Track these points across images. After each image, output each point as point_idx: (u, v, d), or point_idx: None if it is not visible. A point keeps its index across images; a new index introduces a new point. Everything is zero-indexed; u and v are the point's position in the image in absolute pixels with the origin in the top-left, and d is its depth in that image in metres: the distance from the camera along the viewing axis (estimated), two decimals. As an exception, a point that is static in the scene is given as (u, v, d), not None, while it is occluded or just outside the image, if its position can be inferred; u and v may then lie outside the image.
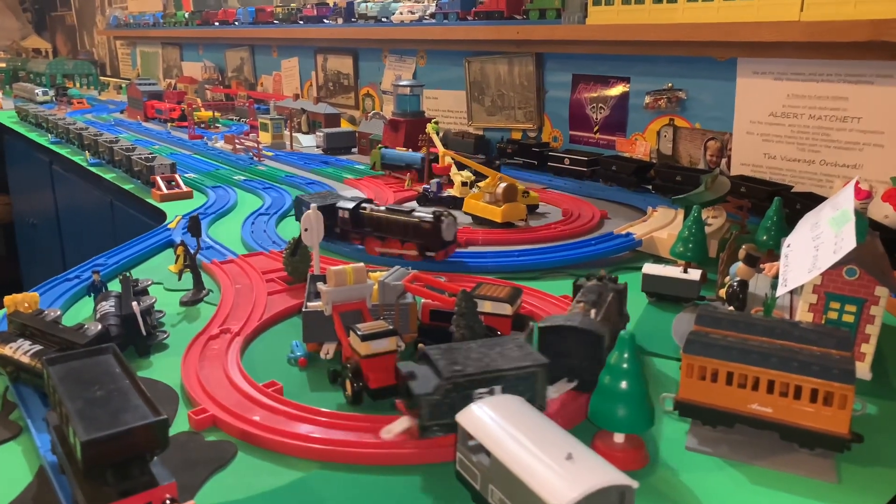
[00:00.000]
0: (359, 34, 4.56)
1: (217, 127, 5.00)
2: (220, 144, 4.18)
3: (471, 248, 2.24)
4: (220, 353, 1.48)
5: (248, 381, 1.35)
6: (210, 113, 4.98)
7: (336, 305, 1.40)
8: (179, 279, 1.83)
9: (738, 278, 1.60)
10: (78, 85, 8.09)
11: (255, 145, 3.80)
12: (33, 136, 4.83)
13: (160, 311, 1.69)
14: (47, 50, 10.47)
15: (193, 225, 1.83)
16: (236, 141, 3.97)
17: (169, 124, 4.96)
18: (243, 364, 1.44)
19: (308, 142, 4.34)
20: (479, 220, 2.52)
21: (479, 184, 2.67)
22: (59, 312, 1.40)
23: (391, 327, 1.30)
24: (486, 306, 1.43)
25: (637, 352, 1.11)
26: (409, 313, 1.50)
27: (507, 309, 1.42)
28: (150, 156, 3.16)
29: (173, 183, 2.99)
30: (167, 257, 2.17)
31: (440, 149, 2.87)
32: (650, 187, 3.02)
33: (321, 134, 4.00)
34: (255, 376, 1.38)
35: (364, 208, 2.15)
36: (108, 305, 1.55)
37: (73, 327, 1.33)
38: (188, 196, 2.94)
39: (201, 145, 4.21)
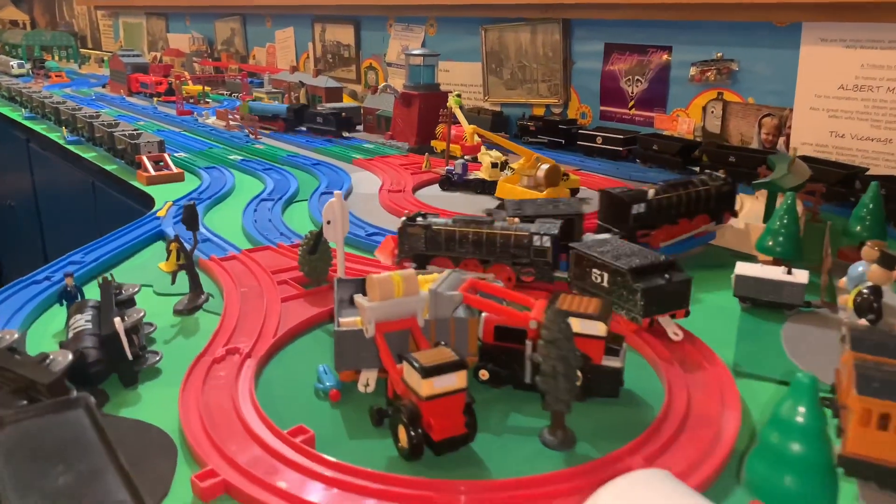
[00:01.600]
0: (361, 0, 4.18)
1: (207, 102, 4.63)
2: (212, 121, 3.82)
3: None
4: (228, 382, 1.16)
5: (267, 425, 1.03)
6: (199, 87, 4.60)
7: (380, 324, 1.09)
8: (173, 282, 1.50)
9: (868, 284, 1.30)
10: (56, 58, 7.64)
11: (252, 122, 3.44)
12: (5, 110, 4.44)
13: (150, 325, 1.36)
14: (24, 22, 9.96)
15: (189, 215, 1.50)
16: (230, 117, 3.61)
17: (155, 99, 4.58)
18: (259, 398, 1.12)
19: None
20: (514, 207, 2.20)
21: (512, 165, 2.35)
22: (15, 335, 1.07)
23: (458, 357, 0.98)
24: (573, 325, 1.12)
25: (818, 403, 0.81)
26: (468, 331, 1.18)
27: (599, 329, 1.11)
28: (134, 132, 2.81)
29: (161, 163, 2.64)
30: (157, 253, 1.84)
31: (465, 125, 2.55)
32: (697, 169, 2.71)
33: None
34: (277, 417, 1.06)
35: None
36: (83, 321, 1.22)
37: (34, 358, 1.01)
38: (179, 178, 2.59)
39: (191, 121, 3.84)
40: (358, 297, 1.10)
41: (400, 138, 3.24)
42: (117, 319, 1.17)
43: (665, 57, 2.92)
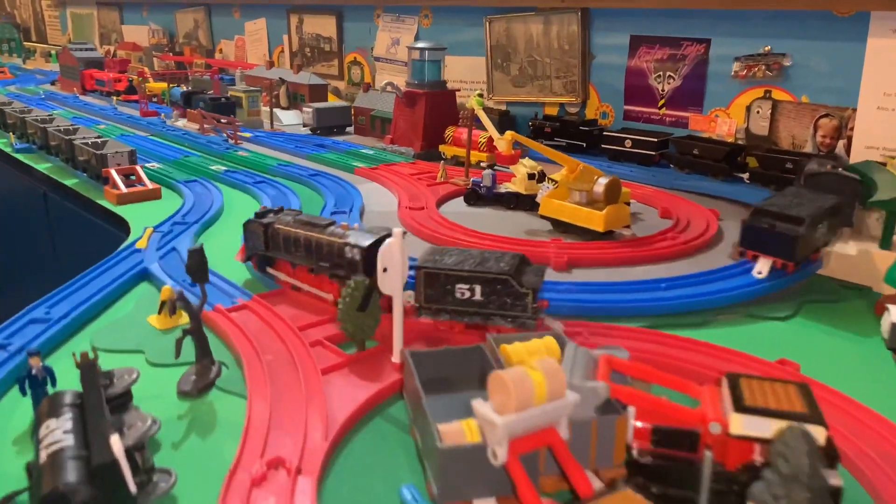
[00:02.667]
0: (345, -11, 3.80)
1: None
2: (183, 123, 3.39)
3: (576, 275, 1.59)
4: (278, 521, 0.81)
5: None
6: (164, 84, 4.15)
7: (515, 442, 0.74)
8: (177, 355, 1.12)
9: None
10: (-2, 52, 7.04)
11: (232, 125, 3.04)
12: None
13: (154, 422, 1.00)
14: (-39, 13, 9.22)
15: (196, 263, 1.13)
16: (204, 118, 3.19)
17: (115, 99, 4.11)
18: (328, 548, 0.77)
19: (290, 119, 3.59)
20: (560, 226, 1.87)
21: (553, 176, 2.02)
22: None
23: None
24: (770, 428, 0.79)
25: None
26: (615, 435, 0.85)
27: (819, 436, 0.78)
28: (99, 140, 2.39)
29: (133, 177, 2.24)
30: (143, 299, 1.45)
31: (493, 131, 2.20)
32: (744, 176, 2.42)
33: (310, 110, 3.26)
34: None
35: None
36: (60, 431, 0.85)
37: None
38: (155, 195, 2.19)
39: (158, 124, 3.41)
40: (480, 407, 0.75)
41: (402, 142, 2.88)
42: (115, 438, 0.80)
43: (702, 50, 2.62)
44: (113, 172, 2.17)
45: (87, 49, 4.70)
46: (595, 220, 1.77)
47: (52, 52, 6.53)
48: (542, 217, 1.92)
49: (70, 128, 2.60)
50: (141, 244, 1.70)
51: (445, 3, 3.47)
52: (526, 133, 3.06)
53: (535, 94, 3.18)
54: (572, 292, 1.45)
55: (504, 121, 3.18)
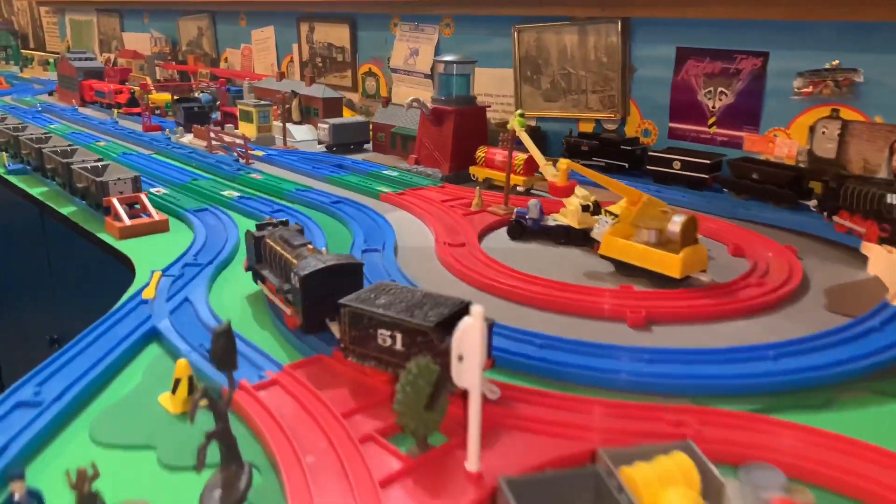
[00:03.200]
0: (360, -4, 3.58)
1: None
2: (189, 140, 3.17)
3: (656, 335, 1.37)
4: None
5: None
6: (167, 95, 3.93)
7: None
8: (200, 468, 0.89)
9: None
10: (-6, 60, 6.81)
11: (243, 143, 2.81)
12: (-68, 126, 3.70)
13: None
14: (-43, 19, 9.00)
15: (223, 348, 0.90)
16: (212, 135, 2.97)
17: (115, 112, 3.88)
18: None
19: (303, 134, 3.37)
20: (624, 268, 1.65)
21: (611, 208, 1.79)
22: None
23: None
24: None
25: None
26: None
27: None
28: (99, 165, 2.16)
29: (138, 206, 2.01)
30: (151, 369, 1.22)
31: (539, 156, 1.97)
32: (811, 204, 2.19)
33: (326, 126, 3.04)
34: None
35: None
36: None
37: None
38: (162, 228, 1.96)
39: (162, 140, 3.18)
40: None
41: (428, 163, 2.65)
42: None
43: (759, 64, 2.40)
44: (115, 202, 1.94)
45: (86, 58, 4.47)
46: (671, 264, 1.54)
47: (51, 59, 6.31)
48: (603, 257, 1.69)
49: (67, 149, 2.37)
50: (148, 293, 1.47)
51: (469, 12, 3.25)
52: (559, 151, 2.84)
53: (568, 110, 2.95)
54: (659, 362, 1.22)
55: (534, 137, 2.94)
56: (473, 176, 2.54)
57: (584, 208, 1.84)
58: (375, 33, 3.77)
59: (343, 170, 2.68)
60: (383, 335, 1.09)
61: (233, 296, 1.53)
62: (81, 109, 4.14)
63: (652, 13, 2.61)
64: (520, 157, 2.37)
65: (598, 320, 1.42)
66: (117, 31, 6.18)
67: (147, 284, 1.52)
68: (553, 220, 1.91)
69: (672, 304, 1.45)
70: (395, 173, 2.61)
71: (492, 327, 1.06)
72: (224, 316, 1.40)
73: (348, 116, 3.34)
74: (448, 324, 1.01)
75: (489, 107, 2.77)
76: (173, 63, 5.14)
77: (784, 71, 2.35)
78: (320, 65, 4.16)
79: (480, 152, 2.50)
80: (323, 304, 1.20)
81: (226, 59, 4.97)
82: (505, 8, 3.04)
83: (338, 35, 3.97)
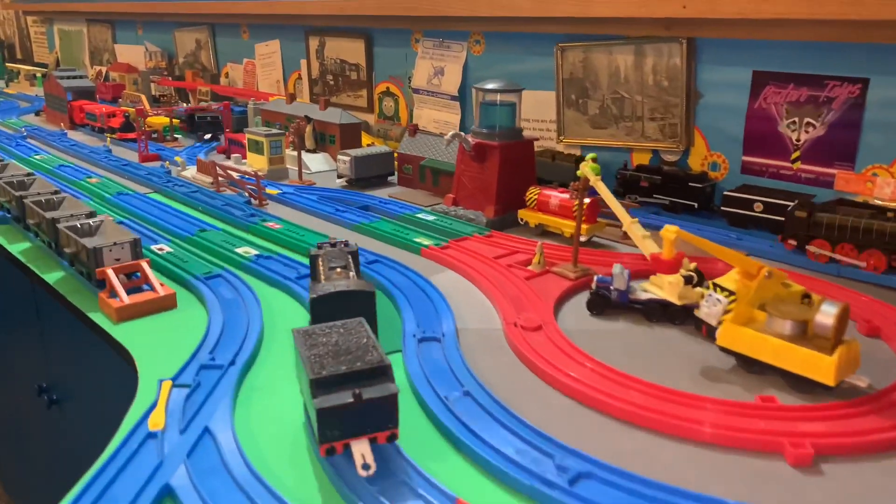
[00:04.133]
0: (374, 7, 3.24)
1: (176, 140, 3.61)
2: (191, 174, 2.82)
3: (826, 477, 1.04)
4: None
5: None
6: (165, 119, 3.58)
7: None
8: None
9: None
10: (-22, 73, 6.46)
11: (255, 181, 2.47)
12: None
13: None
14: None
15: None
16: (218, 170, 2.62)
17: (108, 138, 3.52)
18: None
19: (318, 164, 3.03)
20: (751, 364, 1.32)
21: (719, 281, 1.46)
22: None
23: None
24: None
25: None
26: None
27: None
28: (90, 222, 1.82)
29: (138, 275, 1.67)
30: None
31: (623, 215, 1.64)
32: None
33: (347, 158, 2.70)
34: None
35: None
36: None
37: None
38: (168, 304, 1.62)
39: (161, 175, 2.84)
40: None
41: (469, 204, 2.32)
42: None
43: (855, 92, 2.08)
44: (111, 275, 1.60)
45: (75, 76, 4.12)
46: (822, 369, 1.21)
47: (38, 74, 5.95)
48: (722, 349, 1.36)
49: (53, 198, 2.03)
50: (156, 422, 1.13)
51: (503, 29, 2.92)
52: (610, 185, 2.50)
53: (620, 138, 2.62)
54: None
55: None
56: (522, 220, 2.21)
57: (687, 279, 1.51)
58: (394, 49, 3.44)
59: (371, 214, 2.34)
60: (305, 370, 1.03)
61: (266, 417, 1.20)
62: (71, 134, 3.79)
63: (724, 33, 2.28)
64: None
65: (745, 454, 1.09)
66: (109, 43, 5.83)
67: (154, 405, 1.18)
68: (643, 290, 1.58)
69: (841, 428, 1.12)
70: (430, 217, 2.28)
71: (395, 396, 1.00)
72: (259, 455, 1.07)
73: (370, 146, 3.00)
74: (343, 381, 0.99)
75: (537, 139, 2.43)
76: (169, 79, 4.80)
77: (888, 100, 2.02)
78: (331, 83, 3.82)
79: (532, 194, 2.17)
80: None
81: (226, 75, 4.63)
82: (545, 25, 2.71)
83: (352, 51, 3.64)
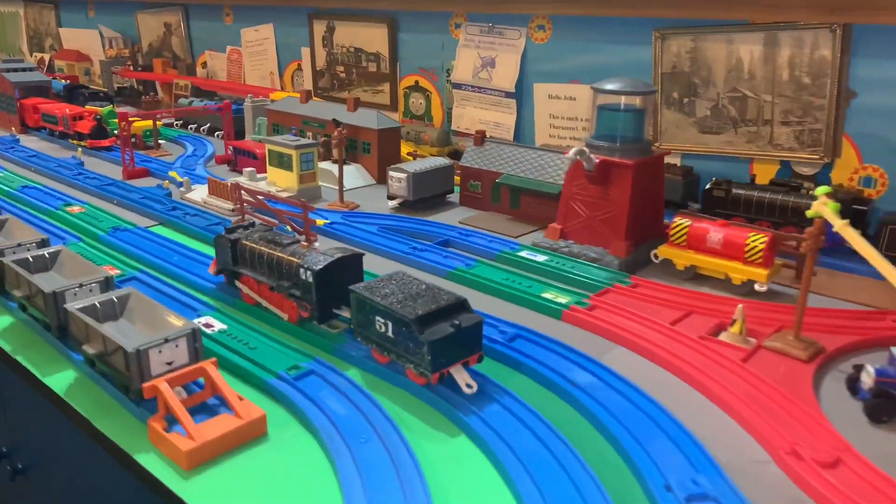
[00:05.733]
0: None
1: (159, 146, 2.97)
2: (200, 197, 2.23)
3: None
4: None
5: None
6: (147, 122, 2.94)
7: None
8: None
9: None
10: None
11: (301, 211, 1.90)
12: None
13: None
14: None
15: None
16: (243, 195, 2.05)
17: (79, 148, 2.85)
18: None
19: (351, 180, 2.47)
20: None
21: None
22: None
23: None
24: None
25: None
26: None
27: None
28: (114, 298, 1.25)
29: (202, 382, 1.12)
30: None
31: (891, 273, 1.17)
32: None
33: (402, 175, 2.16)
34: None
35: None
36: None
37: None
38: (256, 431, 1.07)
39: (160, 199, 2.23)
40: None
41: (583, 238, 1.82)
42: None
43: None
44: (168, 395, 1.04)
45: (24, 69, 3.41)
46: None
47: (-32, 63, 5.12)
48: None
49: (46, 255, 1.43)
50: None
51: (577, 11, 2.41)
52: (724, 205, 2.03)
53: (739, 146, 2.16)
54: None
55: (689, 183, 2.16)
56: (655, 257, 1.73)
57: None
58: (426, 36, 2.89)
59: (459, 254, 1.82)
60: (379, 322, 1.18)
61: None
62: (24, 140, 3.11)
63: (891, 19, 1.84)
64: (756, 237, 1.58)
65: None
66: (52, 27, 5.05)
67: None
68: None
69: None
70: (539, 256, 1.77)
71: (481, 323, 1.17)
72: None
73: (428, 158, 2.44)
74: (436, 317, 1.14)
75: (668, 153, 1.94)
76: (131, 69, 4.11)
77: None
78: (342, 75, 3.25)
79: (681, 227, 1.69)
80: (331, 295, 1.33)
81: (204, 65, 3.98)
82: (638, 7, 2.22)
83: (371, 37, 3.07)
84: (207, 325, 1.38)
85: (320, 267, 1.30)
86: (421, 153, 2.70)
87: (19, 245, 1.50)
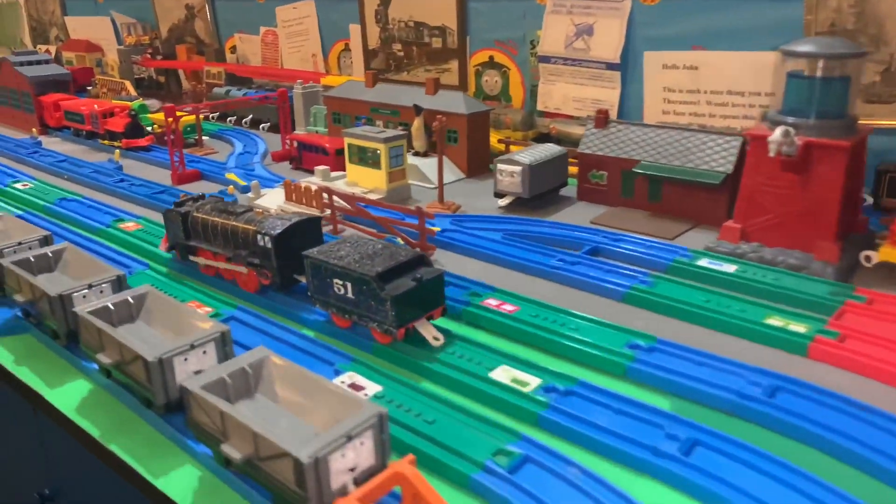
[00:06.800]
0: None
1: (204, 145, 2.60)
2: (274, 205, 1.86)
3: None
4: None
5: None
6: (191, 116, 2.57)
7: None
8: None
9: None
10: None
11: (418, 219, 1.54)
12: None
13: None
14: None
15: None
16: (336, 200, 1.69)
17: (117, 151, 2.47)
18: None
19: (435, 172, 2.11)
20: None
21: None
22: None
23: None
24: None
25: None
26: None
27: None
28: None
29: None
30: None
31: None
32: None
33: (516, 168, 1.80)
34: None
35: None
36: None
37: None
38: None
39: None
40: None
41: (774, 239, 1.46)
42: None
43: None
44: None
45: (38, 62, 3.02)
46: None
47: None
48: None
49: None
50: None
51: (700, -37, 2.04)
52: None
53: (918, 117, 1.81)
54: None
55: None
56: (868, 260, 1.38)
57: None
58: (504, 4, 2.51)
59: (616, 266, 1.46)
60: (337, 284, 1.17)
61: None
62: (47, 142, 2.74)
63: None
64: None
65: None
66: (57, 15, 4.65)
67: None
68: None
69: None
70: (721, 264, 1.42)
71: (442, 276, 1.17)
72: None
73: (544, 146, 2.06)
74: (396, 273, 1.13)
75: (871, 130, 1.58)
76: (151, 56, 3.73)
77: None
78: (400, 53, 2.87)
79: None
80: (292, 259, 1.28)
81: (233, 49, 3.59)
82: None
83: (434, 8, 2.69)
84: (355, 387, 1.04)
85: (278, 231, 1.29)
86: (501, 137, 2.34)
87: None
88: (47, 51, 4.67)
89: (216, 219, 1.40)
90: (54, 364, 1.20)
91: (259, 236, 1.31)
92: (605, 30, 2.28)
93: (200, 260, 1.46)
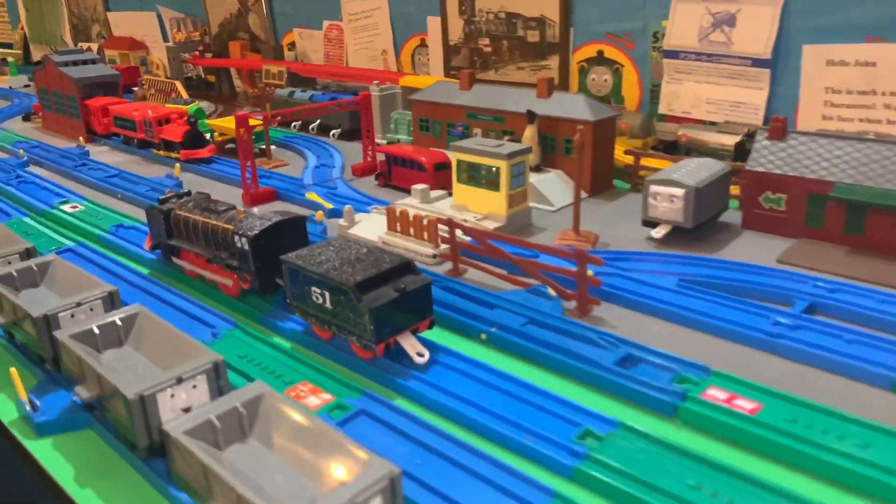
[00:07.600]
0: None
1: (270, 154, 2.28)
2: (374, 235, 1.53)
3: None
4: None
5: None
6: (256, 121, 2.25)
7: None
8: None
9: None
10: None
11: (577, 264, 1.19)
12: None
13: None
14: None
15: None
16: (458, 235, 1.35)
17: (178, 165, 2.16)
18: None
19: (557, 196, 1.77)
20: None
21: None
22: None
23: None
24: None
25: None
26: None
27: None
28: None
29: None
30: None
31: None
32: None
33: (680, 192, 1.44)
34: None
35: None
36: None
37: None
38: None
39: (316, 235, 1.54)
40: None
41: None
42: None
43: None
44: None
45: (85, 62, 2.73)
46: None
47: (8, 58, 4.49)
48: None
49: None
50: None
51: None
52: None
53: None
54: None
55: None
56: None
57: None
58: (620, -12, 2.16)
59: (853, 332, 1.10)
60: (315, 292, 1.08)
61: None
62: (94, 152, 2.45)
63: None
64: None
65: None
66: (99, 11, 4.39)
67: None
68: None
69: None
70: None
71: (429, 285, 1.06)
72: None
73: (693, 158, 1.70)
74: (378, 282, 1.03)
75: None
76: (199, 55, 3.44)
77: None
78: (487, 50, 2.52)
79: None
80: (272, 263, 1.18)
81: (290, 46, 3.28)
82: None
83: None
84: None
85: (255, 232, 1.20)
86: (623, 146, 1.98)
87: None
88: (89, 48, 4.43)
89: (197, 217, 1.31)
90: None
91: (237, 237, 1.22)
92: (751, 19, 1.91)
93: (184, 263, 1.36)
